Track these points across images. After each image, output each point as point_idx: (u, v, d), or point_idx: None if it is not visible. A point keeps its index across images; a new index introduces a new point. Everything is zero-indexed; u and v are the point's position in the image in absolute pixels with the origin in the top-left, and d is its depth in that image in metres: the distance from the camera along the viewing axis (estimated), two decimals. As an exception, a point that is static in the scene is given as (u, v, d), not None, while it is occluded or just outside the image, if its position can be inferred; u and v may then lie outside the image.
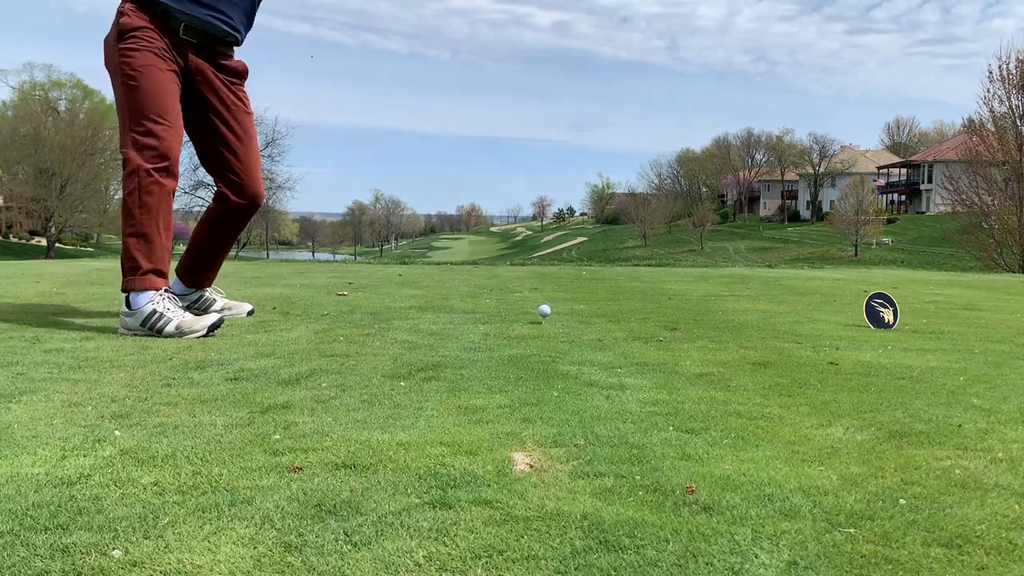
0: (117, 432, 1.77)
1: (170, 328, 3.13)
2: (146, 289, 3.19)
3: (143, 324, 3.14)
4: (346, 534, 1.24)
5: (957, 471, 1.58)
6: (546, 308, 3.67)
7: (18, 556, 1.15)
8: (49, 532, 1.23)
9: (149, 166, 3.23)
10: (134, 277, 3.21)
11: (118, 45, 3.26)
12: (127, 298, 3.20)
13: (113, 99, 3.45)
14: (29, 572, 1.11)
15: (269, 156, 60.67)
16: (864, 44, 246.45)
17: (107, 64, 3.35)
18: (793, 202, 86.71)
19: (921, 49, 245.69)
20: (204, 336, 3.12)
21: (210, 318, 3.22)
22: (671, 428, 1.86)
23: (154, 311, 3.15)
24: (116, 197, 57.94)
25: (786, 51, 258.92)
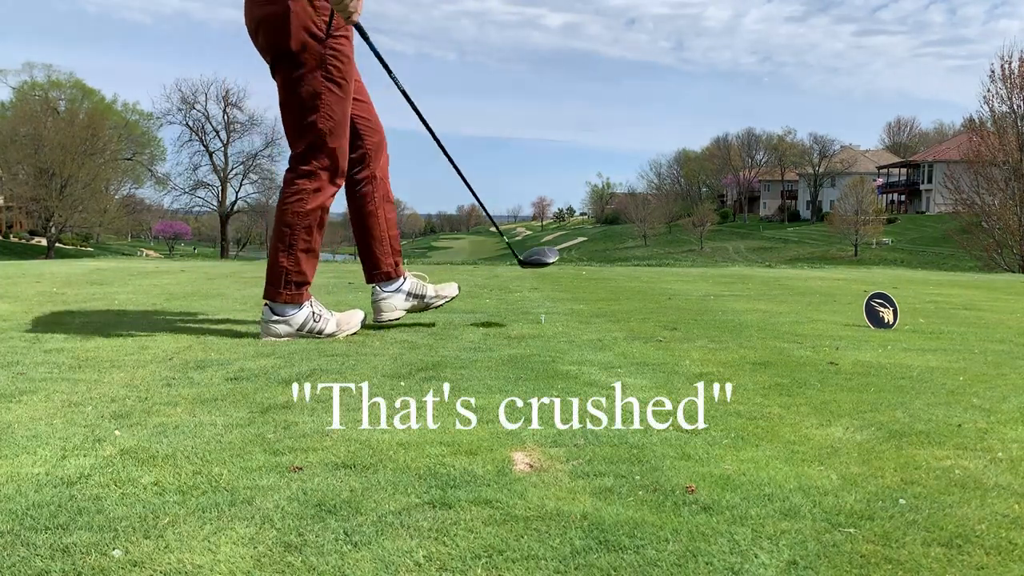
0: (117, 432, 1.77)
1: (331, 327, 3.11)
2: (305, 300, 3.12)
3: (300, 328, 3.08)
4: (346, 534, 1.24)
5: (957, 471, 1.58)
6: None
7: (18, 556, 1.15)
8: (49, 532, 1.23)
9: (335, 189, 3.15)
10: (301, 292, 3.10)
11: (329, 36, 2.96)
12: (272, 307, 3.09)
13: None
14: (29, 572, 1.11)
15: (269, 156, 60.87)
16: (871, 45, 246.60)
17: (287, 41, 2.94)
18: (793, 202, 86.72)
19: (928, 50, 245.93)
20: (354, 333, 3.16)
21: (359, 314, 3.23)
22: (671, 428, 1.86)
23: (311, 313, 3.10)
24: (116, 197, 58.10)
25: (792, 52, 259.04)
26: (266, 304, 3.10)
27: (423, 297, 3.46)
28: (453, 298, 3.55)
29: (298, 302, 3.09)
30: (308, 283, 3.13)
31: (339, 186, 3.18)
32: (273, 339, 3.04)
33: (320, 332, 3.10)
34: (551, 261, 3.66)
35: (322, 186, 3.10)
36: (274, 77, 3.09)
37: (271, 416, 1.93)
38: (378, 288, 3.40)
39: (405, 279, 3.43)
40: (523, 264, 3.69)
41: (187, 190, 60.01)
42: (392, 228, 3.41)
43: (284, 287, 3.08)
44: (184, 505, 1.35)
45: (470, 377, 2.40)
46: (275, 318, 3.07)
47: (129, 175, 59.75)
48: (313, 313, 3.11)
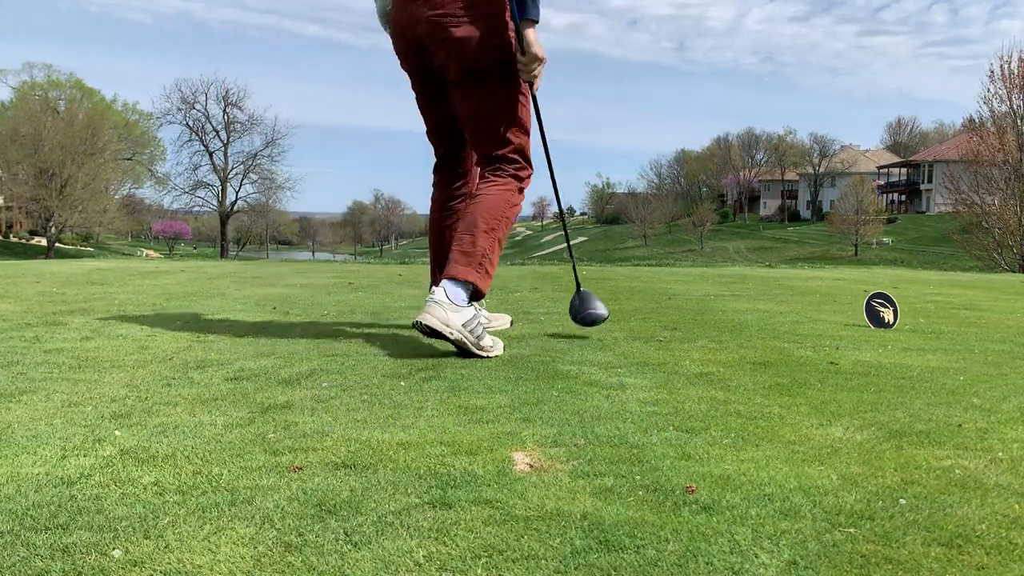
0: (117, 432, 1.77)
1: (487, 341, 2.78)
2: (482, 294, 2.88)
3: (466, 325, 2.71)
4: (346, 534, 1.24)
5: (957, 471, 1.58)
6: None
7: (18, 556, 1.15)
8: (49, 532, 1.23)
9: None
10: (483, 278, 2.84)
11: (514, 61, 2.96)
12: (450, 289, 2.76)
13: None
14: (29, 572, 1.11)
15: (269, 156, 60.94)
16: (873, 46, 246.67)
17: (486, 71, 2.94)
18: (793, 202, 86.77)
19: (930, 51, 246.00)
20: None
21: (499, 341, 2.91)
22: (671, 428, 1.86)
23: (476, 314, 2.78)
24: (116, 197, 58.14)
25: (794, 52, 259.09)
26: (443, 285, 2.76)
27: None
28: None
29: (482, 289, 2.84)
30: (491, 277, 2.89)
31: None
32: (436, 327, 2.68)
33: (479, 340, 2.74)
34: (603, 315, 3.25)
35: (522, 186, 3.09)
36: (460, 86, 2.99)
37: (271, 416, 1.93)
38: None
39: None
40: (579, 320, 3.25)
41: (187, 190, 60.11)
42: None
43: (479, 267, 2.82)
44: (184, 505, 1.35)
45: (470, 377, 2.40)
46: (447, 301, 2.71)
47: (129, 175, 59.82)
48: (478, 316, 2.80)
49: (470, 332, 2.72)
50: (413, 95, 3.26)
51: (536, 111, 3.12)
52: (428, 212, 3.36)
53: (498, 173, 3.03)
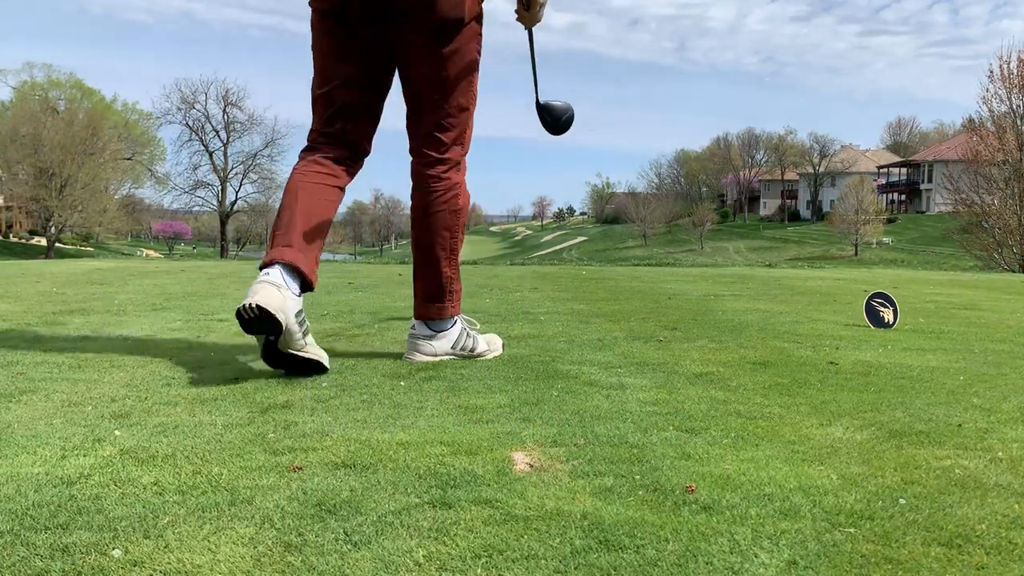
0: (117, 432, 1.77)
1: (481, 346, 2.74)
2: (456, 315, 2.75)
3: (455, 345, 2.69)
4: (346, 534, 1.24)
5: (957, 471, 1.58)
6: None
7: (18, 556, 1.15)
8: (49, 532, 1.23)
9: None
10: (455, 303, 2.73)
11: (479, 27, 2.62)
12: (429, 323, 2.69)
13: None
14: (29, 572, 1.11)
15: (269, 156, 60.95)
16: (874, 46, 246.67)
17: (460, 22, 2.53)
18: (793, 202, 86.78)
19: (931, 51, 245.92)
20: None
21: (499, 339, 2.86)
22: (671, 428, 1.86)
23: (463, 329, 2.72)
24: (116, 197, 58.16)
25: (794, 52, 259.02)
26: (420, 322, 2.70)
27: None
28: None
29: (457, 314, 2.73)
30: (460, 294, 2.76)
31: None
32: (423, 359, 2.65)
33: (472, 350, 2.71)
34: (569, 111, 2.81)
35: (464, 176, 2.73)
36: (427, 41, 2.53)
37: (271, 416, 1.93)
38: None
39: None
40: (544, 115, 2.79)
41: (187, 190, 60.12)
42: None
43: (448, 299, 2.70)
44: (184, 505, 1.35)
45: (470, 377, 2.40)
46: (430, 334, 2.67)
47: (129, 175, 59.81)
48: (464, 329, 2.74)
49: (460, 349, 2.69)
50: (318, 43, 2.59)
51: (532, 51, 2.78)
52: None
53: (438, 177, 2.65)
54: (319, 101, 2.62)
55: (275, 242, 2.45)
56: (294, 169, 2.58)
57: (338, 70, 2.57)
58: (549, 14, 2.98)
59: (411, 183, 2.71)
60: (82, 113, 51.94)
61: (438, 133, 2.64)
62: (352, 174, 2.66)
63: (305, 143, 2.66)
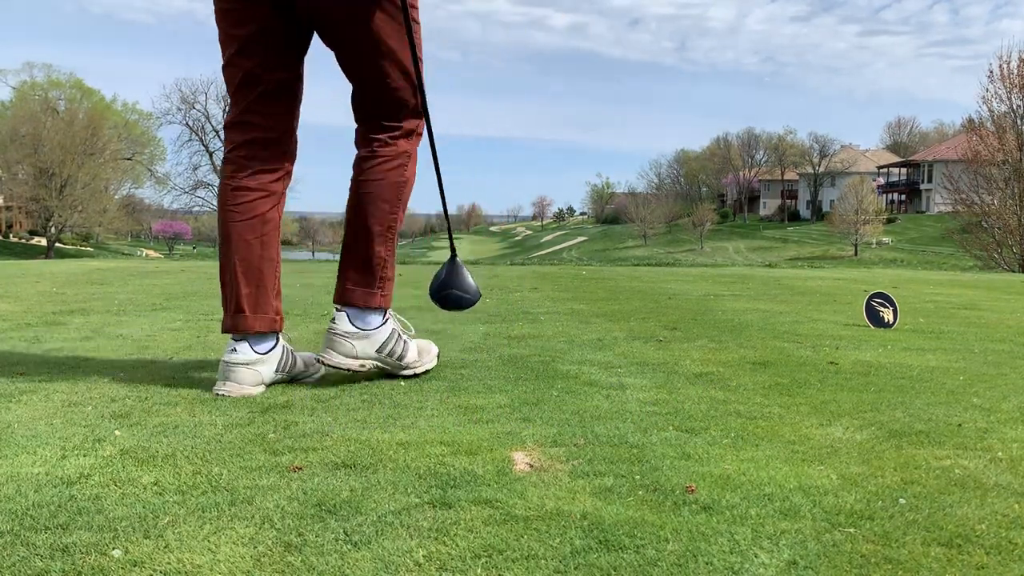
0: (117, 432, 1.77)
1: (411, 354, 2.38)
2: (387, 307, 2.39)
3: (381, 349, 2.33)
4: (346, 534, 1.24)
5: (957, 471, 1.58)
6: None
7: (18, 556, 1.15)
8: (49, 532, 1.23)
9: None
10: (387, 293, 2.37)
11: None
12: (352, 315, 2.34)
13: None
14: (29, 572, 1.11)
15: (269, 156, 60.77)
16: (874, 46, 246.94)
17: None
18: (793, 202, 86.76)
19: (931, 50, 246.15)
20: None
21: (434, 347, 2.50)
22: (671, 428, 1.86)
23: (393, 330, 2.36)
24: (116, 197, 58.12)
25: (795, 52, 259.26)
26: (342, 311, 2.35)
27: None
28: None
29: (387, 306, 2.38)
30: (392, 282, 2.41)
31: None
32: (344, 365, 2.30)
33: (400, 359, 2.36)
34: (470, 299, 2.53)
35: (415, 147, 2.42)
36: (352, 24, 2.23)
37: (271, 416, 1.93)
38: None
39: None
40: (438, 299, 2.52)
41: (187, 190, 60.10)
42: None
43: (379, 284, 2.34)
44: (184, 505, 1.35)
45: (470, 377, 2.40)
46: (353, 330, 2.31)
47: (129, 175, 59.77)
48: (395, 331, 2.38)
49: (388, 355, 2.34)
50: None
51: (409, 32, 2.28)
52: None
53: (384, 143, 2.35)
54: (226, 78, 2.32)
55: (227, 304, 2.31)
56: (221, 198, 2.34)
57: (237, 36, 2.25)
58: (549, 14, 2.86)
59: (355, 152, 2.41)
60: (82, 113, 51.94)
61: (391, 101, 2.34)
62: (288, 172, 2.39)
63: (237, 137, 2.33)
